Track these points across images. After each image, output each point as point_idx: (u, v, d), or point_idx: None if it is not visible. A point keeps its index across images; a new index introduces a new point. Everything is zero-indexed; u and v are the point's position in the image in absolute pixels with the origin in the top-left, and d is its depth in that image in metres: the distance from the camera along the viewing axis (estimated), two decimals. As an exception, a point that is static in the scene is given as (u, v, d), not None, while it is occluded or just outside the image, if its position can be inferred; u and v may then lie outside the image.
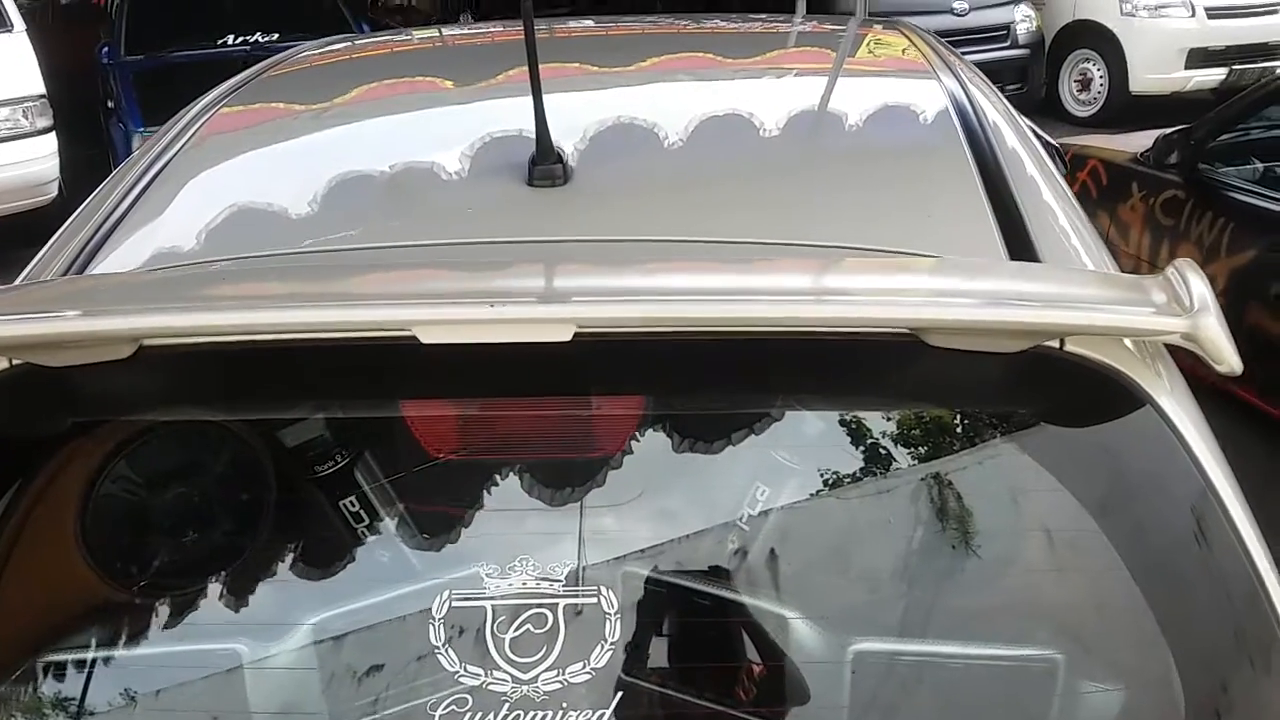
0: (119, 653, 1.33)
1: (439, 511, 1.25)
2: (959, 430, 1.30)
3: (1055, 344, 1.21)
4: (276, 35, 7.97)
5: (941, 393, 1.26)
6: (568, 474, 1.23)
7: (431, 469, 1.25)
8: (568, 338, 1.05)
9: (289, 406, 1.34)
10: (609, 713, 1.14)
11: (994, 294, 1.15)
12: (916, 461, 1.31)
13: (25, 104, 6.96)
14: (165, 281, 1.34)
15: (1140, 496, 1.25)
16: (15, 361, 1.26)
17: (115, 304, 1.17)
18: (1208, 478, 1.24)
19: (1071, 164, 5.51)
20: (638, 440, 1.23)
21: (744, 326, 1.09)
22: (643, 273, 1.21)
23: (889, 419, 1.28)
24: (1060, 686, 1.22)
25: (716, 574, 1.22)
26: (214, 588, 1.34)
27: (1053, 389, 1.24)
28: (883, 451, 1.30)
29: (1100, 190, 5.24)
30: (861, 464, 1.30)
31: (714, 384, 1.25)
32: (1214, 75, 9.12)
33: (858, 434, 1.29)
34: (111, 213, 1.56)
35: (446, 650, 1.16)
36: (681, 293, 1.12)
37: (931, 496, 1.30)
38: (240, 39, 8.21)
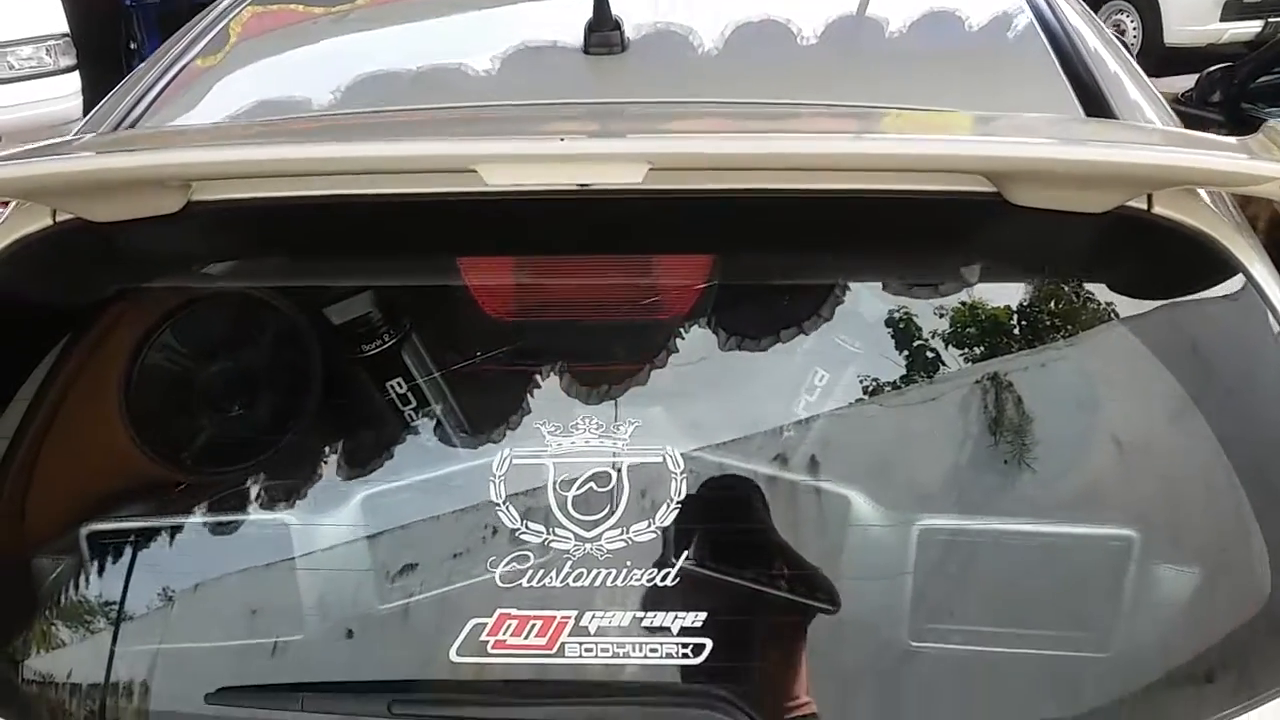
0: (165, 522, 1.30)
1: (499, 371, 1.21)
2: (1042, 303, 1.25)
3: (1143, 205, 1.15)
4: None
5: (1026, 259, 1.21)
6: (633, 335, 1.18)
7: (491, 330, 1.21)
8: (639, 178, 1.00)
9: (342, 270, 1.30)
10: (673, 572, 1.11)
11: (1080, 137, 1.09)
12: (997, 335, 1.26)
13: (49, 42, 6.91)
14: (215, 128, 1.30)
15: (1233, 369, 1.20)
16: (60, 218, 1.22)
17: (164, 144, 1.13)
18: None
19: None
20: (705, 304, 1.19)
21: (823, 165, 1.04)
22: (711, 123, 1.16)
23: (969, 290, 1.23)
24: (1138, 564, 1.18)
25: (782, 436, 1.18)
26: (266, 456, 1.31)
27: (1141, 256, 1.18)
28: (961, 326, 1.26)
29: (1140, 132, 5.13)
30: (938, 339, 1.25)
31: (785, 248, 1.20)
32: (1250, 28, 8.95)
33: (935, 306, 1.24)
34: (153, 85, 1.51)
35: (507, 509, 1.13)
36: (756, 132, 1.07)
37: (1011, 372, 1.25)
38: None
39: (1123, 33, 9.76)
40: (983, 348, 1.26)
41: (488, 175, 1.02)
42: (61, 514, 1.31)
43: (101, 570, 1.27)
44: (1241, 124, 4.65)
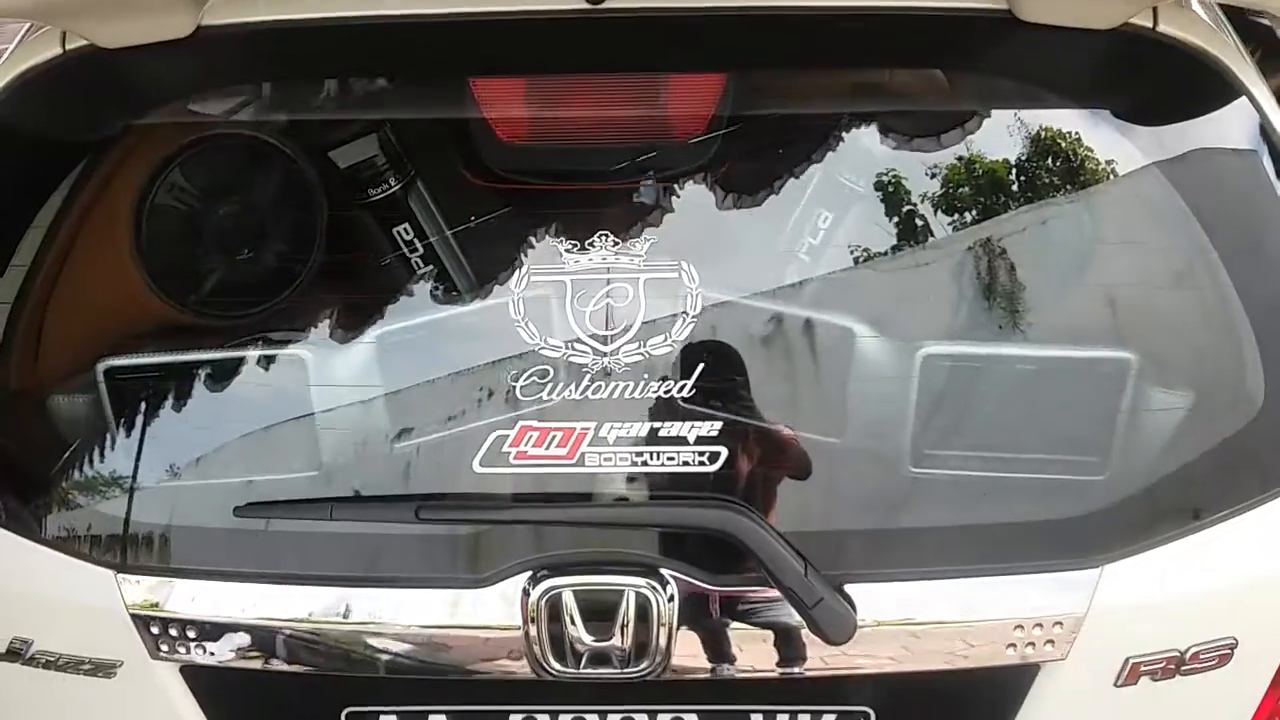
0: (177, 359, 1.31)
1: (515, 193, 1.23)
2: (1046, 131, 1.26)
3: (1148, 23, 1.17)
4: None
5: (1034, 80, 1.22)
6: (646, 155, 1.20)
7: (504, 152, 1.22)
8: None
9: (354, 100, 1.31)
10: (690, 384, 1.13)
11: None
12: (1000, 168, 1.28)
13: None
14: None
15: (1230, 190, 1.23)
16: (70, 45, 1.21)
17: None
18: None
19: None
20: (718, 122, 1.20)
21: None
22: None
23: (977, 117, 1.25)
24: (1134, 385, 1.21)
25: (794, 253, 1.21)
26: (280, 296, 1.32)
27: (1145, 75, 1.20)
28: (966, 158, 1.27)
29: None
30: (944, 171, 1.27)
31: (797, 66, 1.21)
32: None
33: (943, 135, 1.26)
34: None
35: (527, 325, 1.15)
36: None
37: (1013, 204, 1.27)
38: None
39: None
40: (986, 180, 1.28)
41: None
42: (78, 351, 1.32)
43: (120, 404, 1.28)
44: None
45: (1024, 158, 1.27)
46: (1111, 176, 1.26)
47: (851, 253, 1.26)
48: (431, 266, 1.28)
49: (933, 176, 1.27)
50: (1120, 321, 1.26)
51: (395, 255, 1.29)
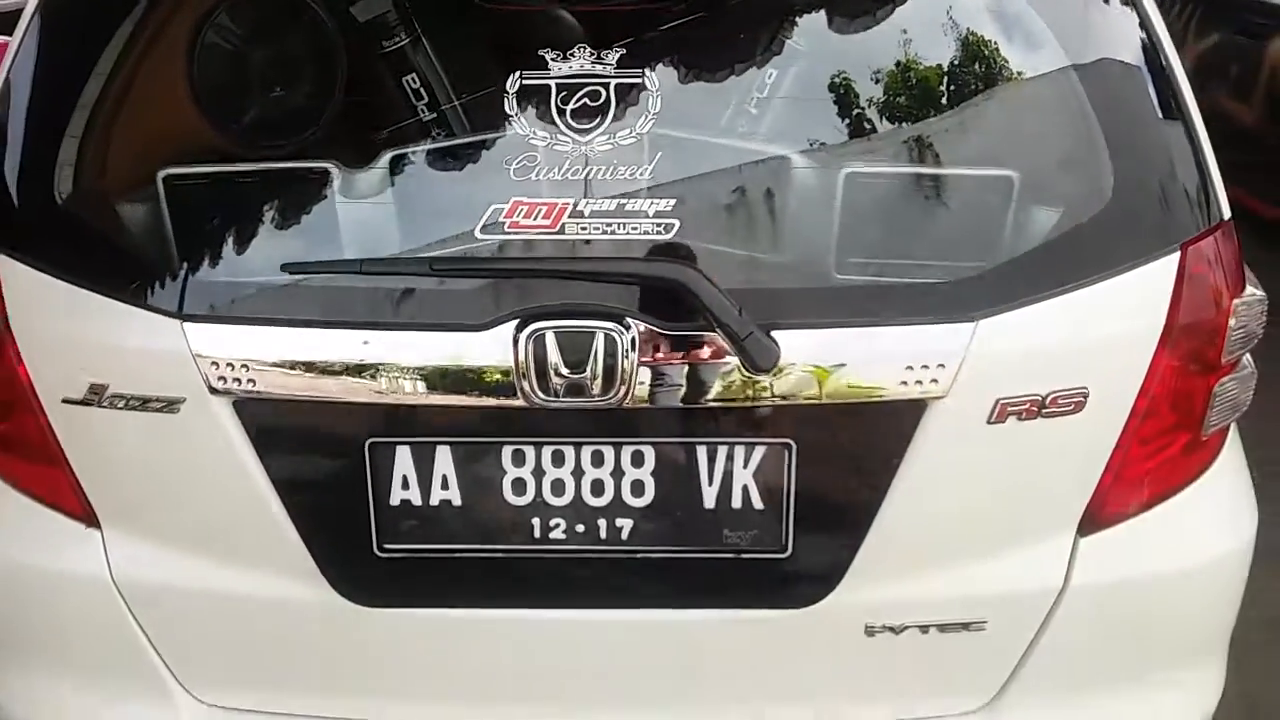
0: (215, 169, 1.57)
1: (508, 13, 1.50)
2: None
3: None
4: None
5: None
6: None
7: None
8: None
9: None
10: (649, 168, 1.41)
11: None
12: (911, 24, 1.55)
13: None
14: None
15: (1090, 31, 1.51)
16: None
17: None
18: (1146, 22, 1.51)
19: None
20: None
21: None
22: None
23: None
24: (1017, 200, 1.50)
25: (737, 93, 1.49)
26: (306, 122, 1.59)
27: None
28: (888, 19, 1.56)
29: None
30: (866, 33, 1.55)
31: None
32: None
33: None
34: None
35: (518, 119, 1.42)
36: None
37: (918, 51, 1.55)
38: None
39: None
40: (900, 38, 1.56)
41: None
42: (136, 166, 1.58)
43: (176, 204, 1.54)
44: (1172, -24, 4.95)
45: (928, 25, 1.55)
46: (996, 28, 1.54)
47: (791, 98, 1.55)
48: (452, 49, 1.53)
49: (861, 36, 1.56)
50: (1003, 144, 1.55)
51: (406, 79, 1.56)
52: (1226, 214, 1.54)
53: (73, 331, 1.50)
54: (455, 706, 1.63)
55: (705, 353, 1.41)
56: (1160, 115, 1.51)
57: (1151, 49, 1.51)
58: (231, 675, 1.65)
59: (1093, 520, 1.55)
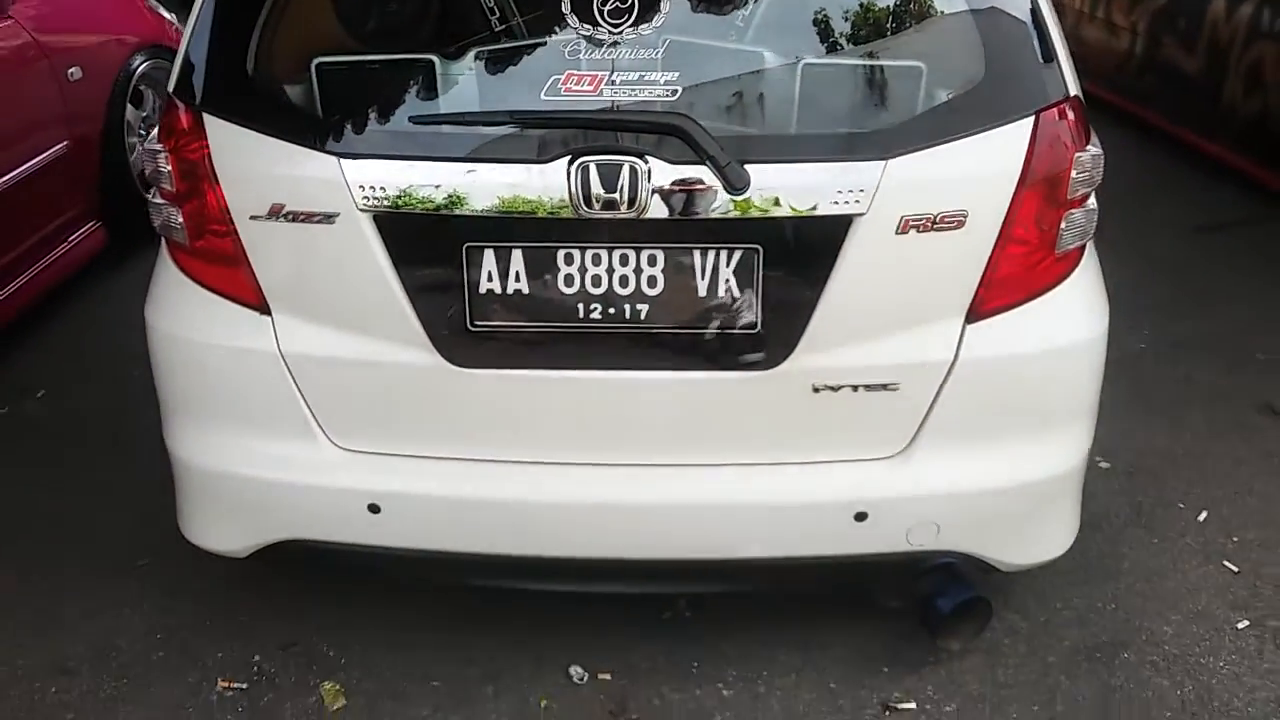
0: (355, 58, 2.24)
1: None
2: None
3: None
4: None
5: None
6: None
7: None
8: None
9: None
10: (662, 50, 2.05)
11: None
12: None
13: None
14: None
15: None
16: None
17: None
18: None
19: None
20: None
21: None
22: None
23: None
24: (922, 78, 2.14)
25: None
26: (415, 27, 2.24)
27: None
28: None
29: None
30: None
31: None
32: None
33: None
34: None
35: (570, 16, 2.06)
36: None
37: None
38: None
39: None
40: None
41: None
42: (299, 56, 2.23)
43: (326, 83, 2.19)
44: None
45: None
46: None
47: (766, 16, 2.18)
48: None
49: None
50: (915, 47, 2.18)
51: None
52: (1073, 92, 2.17)
53: (259, 167, 2.15)
54: (522, 440, 2.29)
55: (698, 179, 2.05)
56: (1023, 25, 2.14)
57: None
58: (361, 424, 2.30)
59: (975, 311, 2.19)
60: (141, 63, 4.61)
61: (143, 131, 4.69)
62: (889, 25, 2.20)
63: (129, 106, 4.56)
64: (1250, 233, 4.80)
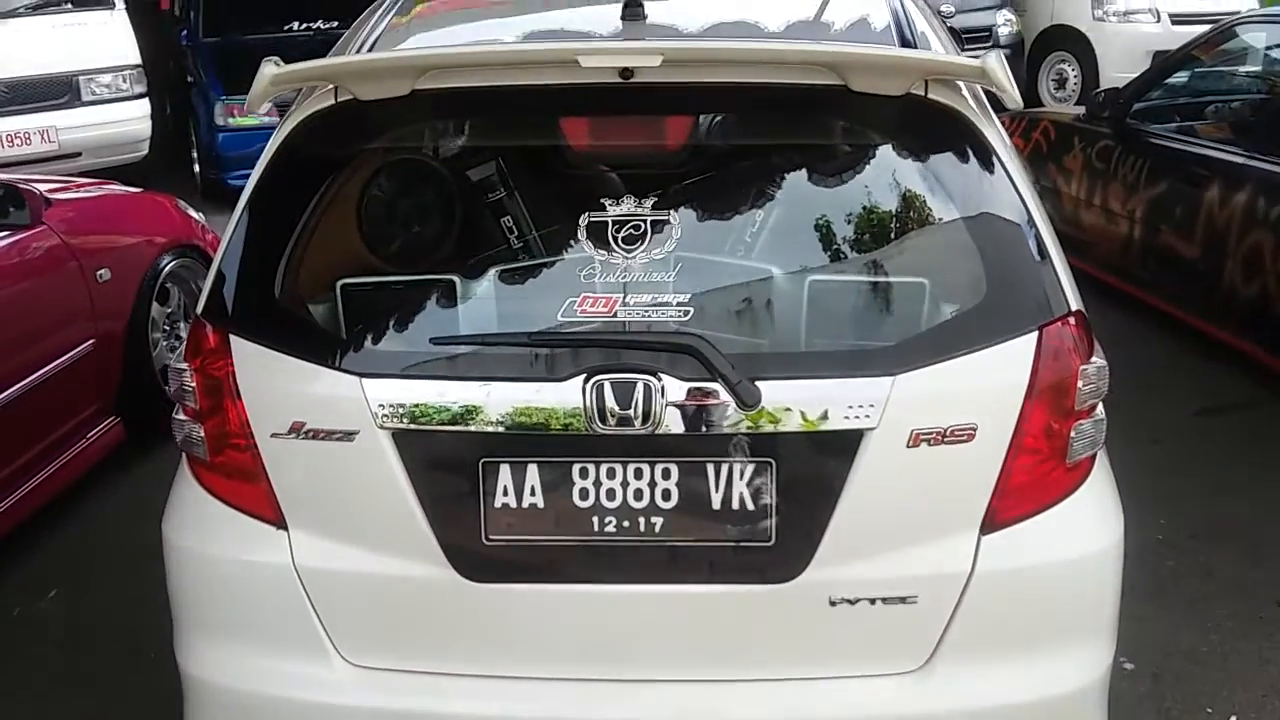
0: (377, 279, 2.32)
1: (580, 172, 2.24)
2: (868, 158, 2.29)
3: (922, 92, 2.19)
4: (336, 24, 8.86)
5: (858, 128, 2.26)
6: (651, 155, 2.22)
7: (572, 154, 2.25)
8: (656, 63, 2.04)
9: (479, 136, 2.33)
10: (674, 273, 2.12)
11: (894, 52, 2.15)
12: (849, 185, 2.30)
13: (125, 71, 7.99)
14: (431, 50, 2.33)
15: (974, 186, 2.23)
16: (340, 98, 2.24)
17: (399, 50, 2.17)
18: (1015, 184, 2.22)
19: (1026, 126, 6.54)
20: (686, 147, 2.23)
21: (744, 60, 2.10)
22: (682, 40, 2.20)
23: (830, 149, 2.29)
24: (929, 298, 2.21)
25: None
26: (437, 248, 2.33)
27: (921, 125, 2.22)
28: (826, 175, 2.30)
29: (1049, 145, 6.25)
30: (815, 187, 2.30)
31: (727, 120, 2.26)
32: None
33: (813, 162, 2.29)
34: (371, 33, 2.55)
35: (585, 242, 2.14)
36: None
37: (854, 205, 2.28)
38: (304, 25, 9.20)
39: (1064, 81, 10.98)
40: (845, 191, 2.29)
41: (584, 60, 2.05)
42: (324, 278, 2.31)
43: (350, 306, 2.27)
44: (1125, 136, 5.76)
45: (857, 180, 2.30)
46: (904, 180, 2.27)
47: (773, 233, 2.27)
48: (529, 216, 2.28)
49: (823, 189, 2.30)
50: (917, 263, 2.26)
51: (503, 221, 2.30)
52: (1074, 306, 2.22)
53: (281, 385, 2.20)
54: (536, 656, 2.26)
55: (710, 396, 2.09)
56: (1024, 244, 2.21)
57: (1019, 202, 2.22)
58: (374, 640, 2.29)
59: (990, 523, 2.19)
60: (169, 262, 4.75)
61: (166, 328, 4.81)
62: (891, 239, 2.28)
63: (154, 304, 4.69)
64: (1255, 415, 4.85)
